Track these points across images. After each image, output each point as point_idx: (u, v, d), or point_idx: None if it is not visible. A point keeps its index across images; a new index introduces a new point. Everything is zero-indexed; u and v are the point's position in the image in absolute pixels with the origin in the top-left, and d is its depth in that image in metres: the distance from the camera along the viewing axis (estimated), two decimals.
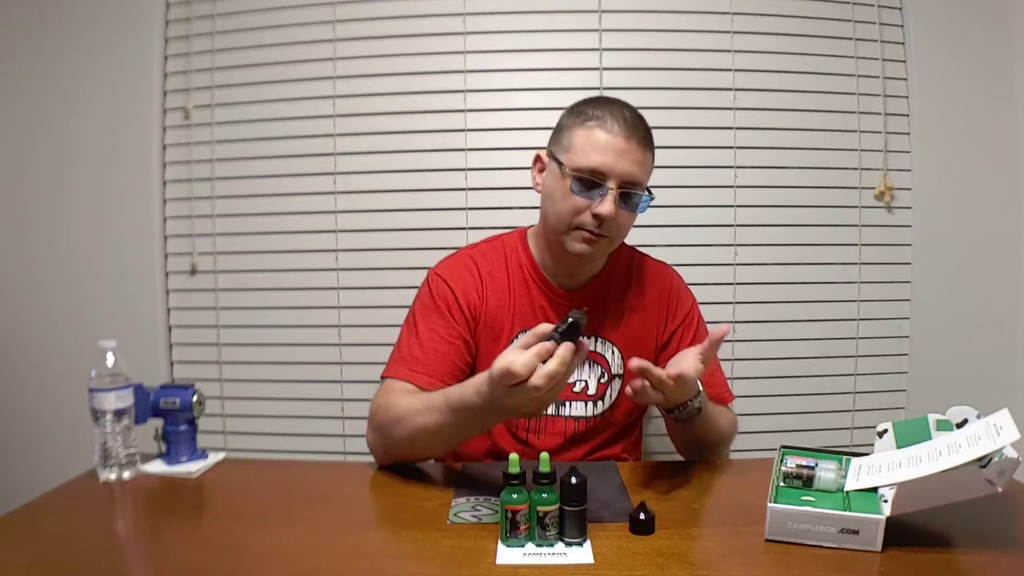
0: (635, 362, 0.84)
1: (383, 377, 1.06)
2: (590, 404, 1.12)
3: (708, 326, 1.15)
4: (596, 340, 1.12)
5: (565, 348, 0.75)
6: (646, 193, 1.04)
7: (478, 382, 0.84)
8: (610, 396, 1.12)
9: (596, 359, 1.12)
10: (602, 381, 1.12)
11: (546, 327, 0.78)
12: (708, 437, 1.05)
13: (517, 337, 1.09)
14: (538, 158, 1.10)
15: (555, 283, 1.12)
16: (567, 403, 1.12)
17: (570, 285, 1.12)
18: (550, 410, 1.11)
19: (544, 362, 0.76)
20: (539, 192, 1.09)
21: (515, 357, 0.75)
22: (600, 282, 1.13)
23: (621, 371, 1.12)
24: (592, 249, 1.03)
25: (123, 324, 1.63)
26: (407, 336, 1.08)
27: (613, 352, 1.12)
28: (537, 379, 0.75)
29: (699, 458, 1.08)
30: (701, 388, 0.97)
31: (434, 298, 1.09)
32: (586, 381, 1.12)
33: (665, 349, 1.14)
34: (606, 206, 0.98)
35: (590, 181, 0.99)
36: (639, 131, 1.00)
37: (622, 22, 1.59)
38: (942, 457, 0.73)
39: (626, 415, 1.15)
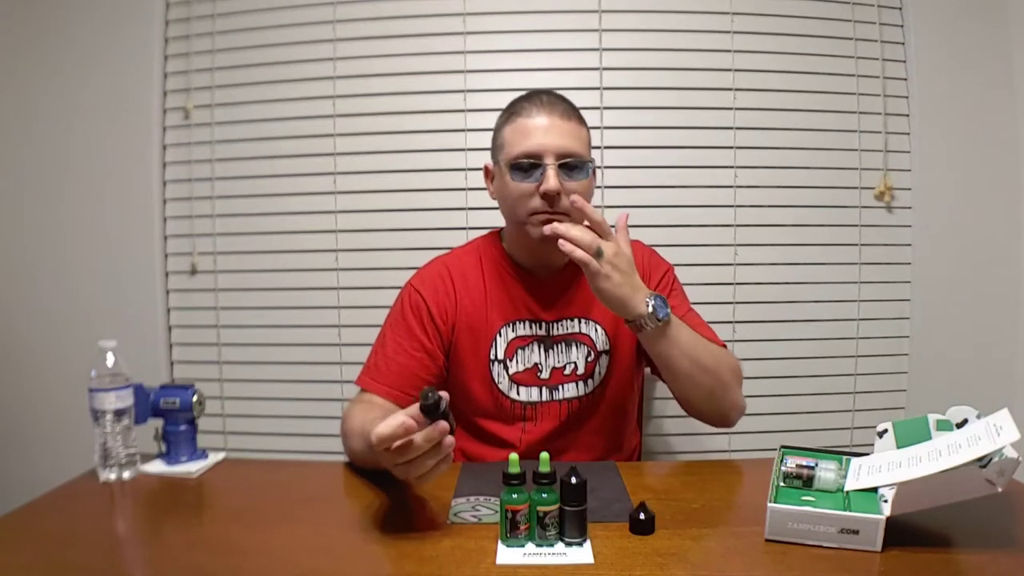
0: (575, 199, 0.95)
1: (356, 383, 1.12)
2: (581, 384, 1.13)
3: (710, 326, 1.15)
4: (580, 321, 1.13)
5: (432, 428, 0.73)
6: (590, 161, 1.07)
7: None
8: (599, 373, 1.14)
9: (582, 340, 1.13)
10: (589, 360, 1.13)
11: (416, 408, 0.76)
12: (698, 364, 0.99)
13: (500, 334, 1.12)
14: (487, 170, 1.16)
15: (532, 274, 1.14)
16: (560, 386, 1.12)
17: (546, 274, 1.14)
18: (544, 396, 1.12)
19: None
20: (494, 199, 1.14)
21: (378, 428, 0.73)
22: (575, 266, 1.13)
23: (607, 347, 1.14)
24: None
25: (123, 324, 1.63)
26: (377, 345, 1.14)
27: (597, 330, 1.13)
28: (400, 450, 0.74)
29: (708, 408, 1.04)
30: (656, 299, 0.95)
31: (404, 311, 1.13)
32: (575, 363, 1.13)
33: None
34: (549, 181, 1.01)
35: (528, 164, 1.04)
36: (557, 107, 1.06)
37: (622, 22, 1.59)
38: (942, 457, 0.73)
39: (618, 390, 1.15)
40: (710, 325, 1.15)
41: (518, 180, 1.05)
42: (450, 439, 0.74)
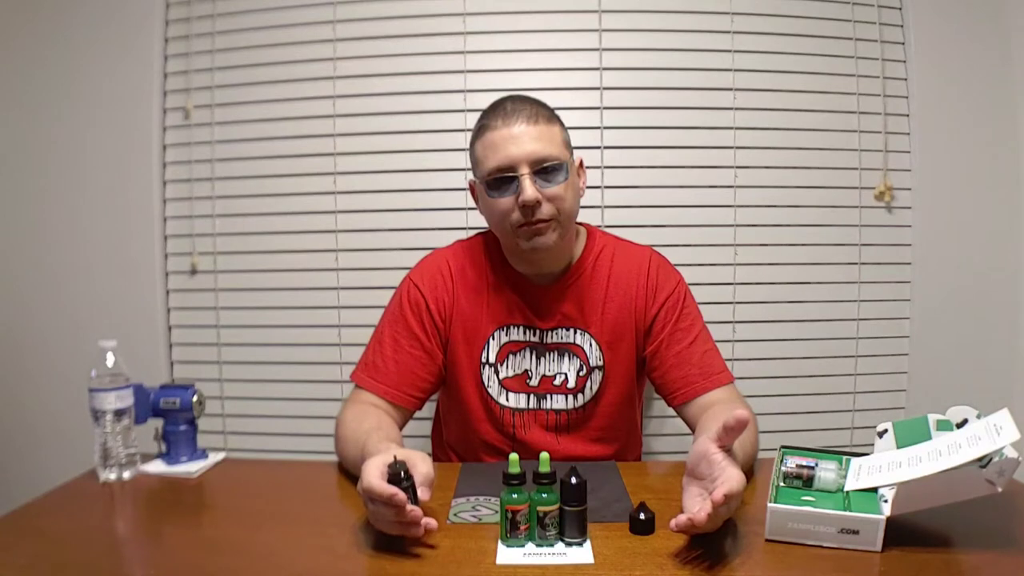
0: (674, 526, 0.72)
1: (351, 377, 1.11)
2: (570, 397, 1.12)
3: (709, 326, 1.14)
4: (576, 332, 1.12)
5: (398, 496, 0.73)
6: (567, 161, 1.04)
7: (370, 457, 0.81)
8: (590, 389, 1.12)
9: (575, 351, 1.12)
10: (580, 374, 1.11)
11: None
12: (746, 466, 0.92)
13: (492, 337, 1.11)
14: (472, 187, 1.14)
15: (530, 280, 1.13)
16: (548, 396, 1.12)
17: (544, 280, 1.12)
18: (532, 403, 1.12)
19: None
20: (483, 215, 1.12)
21: (370, 480, 0.74)
22: (573, 274, 1.13)
23: (600, 363, 1.12)
24: (546, 238, 1.03)
25: (123, 324, 1.63)
26: (374, 342, 1.12)
27: (592, 344, 1.12)
28: (370, 505, 0.76)
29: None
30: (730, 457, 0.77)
31: (403, 306, 1.12)
32: (565, 374, 1.12)
33: (649, 335, 1.12)
34: (526, 192, 1.00)
35: (502, 179, 1.02)
36: (523, 112, 1.03)
37: (622, 22, 1.59)
38: (942, 457, 0.73)
39: (612, 407, 1.13)
40: (710, 325, 1.15)
41: (496, 196, 1.03)
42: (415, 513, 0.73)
